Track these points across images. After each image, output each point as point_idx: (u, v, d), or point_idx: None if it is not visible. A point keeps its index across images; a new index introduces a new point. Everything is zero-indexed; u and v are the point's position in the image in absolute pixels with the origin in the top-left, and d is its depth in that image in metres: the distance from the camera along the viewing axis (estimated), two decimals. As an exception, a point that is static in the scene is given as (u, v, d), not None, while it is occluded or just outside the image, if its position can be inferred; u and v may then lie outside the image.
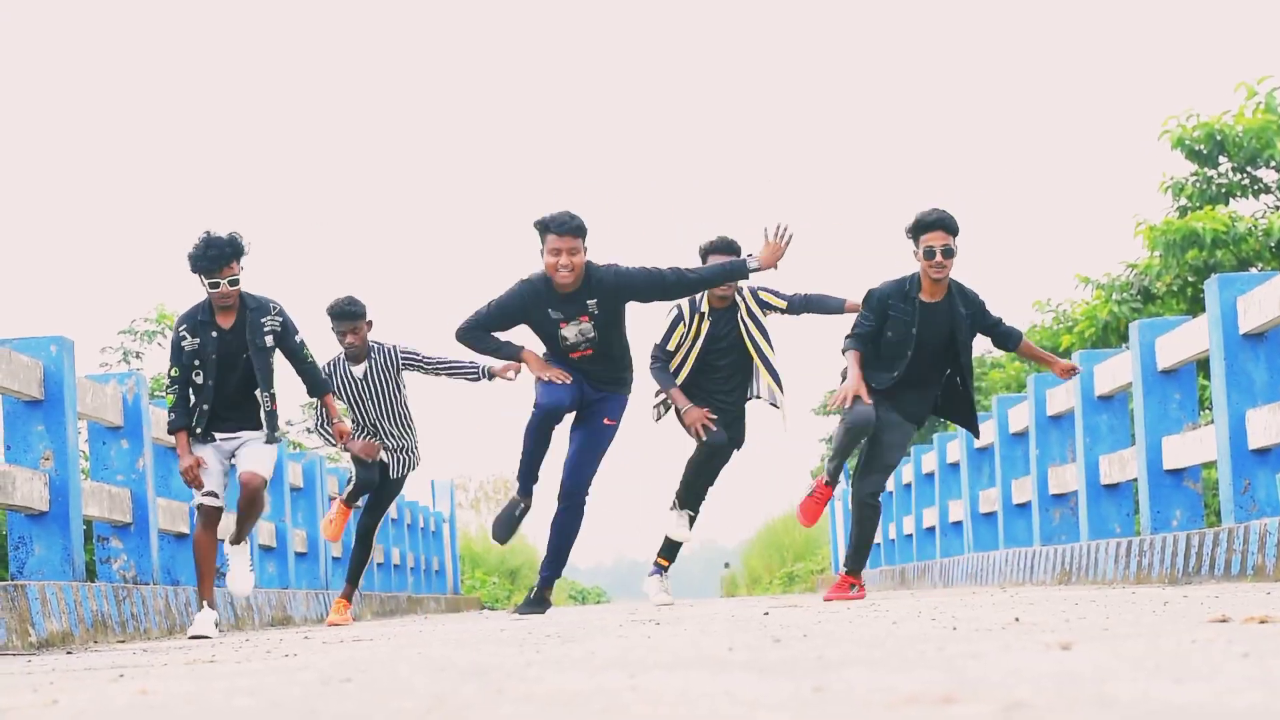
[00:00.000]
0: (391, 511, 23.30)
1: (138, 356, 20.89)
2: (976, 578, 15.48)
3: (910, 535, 21.01)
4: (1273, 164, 21.36)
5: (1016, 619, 5.16)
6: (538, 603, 10.50)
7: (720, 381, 11.54)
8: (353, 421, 11.94)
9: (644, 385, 11.16)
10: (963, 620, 5.33)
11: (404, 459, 12.05)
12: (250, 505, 9.98)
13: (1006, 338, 10.72)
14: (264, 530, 14.82)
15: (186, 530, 12.56)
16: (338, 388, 11.82)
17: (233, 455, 9.98)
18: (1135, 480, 11.83)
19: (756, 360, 11.55)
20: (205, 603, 9.93)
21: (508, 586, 32.13)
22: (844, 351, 10.62)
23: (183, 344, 9.84)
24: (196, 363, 9.80)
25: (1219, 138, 21.28)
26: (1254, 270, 21.24)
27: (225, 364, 9.80)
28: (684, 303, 11.37)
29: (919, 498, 20.10)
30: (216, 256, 9.57)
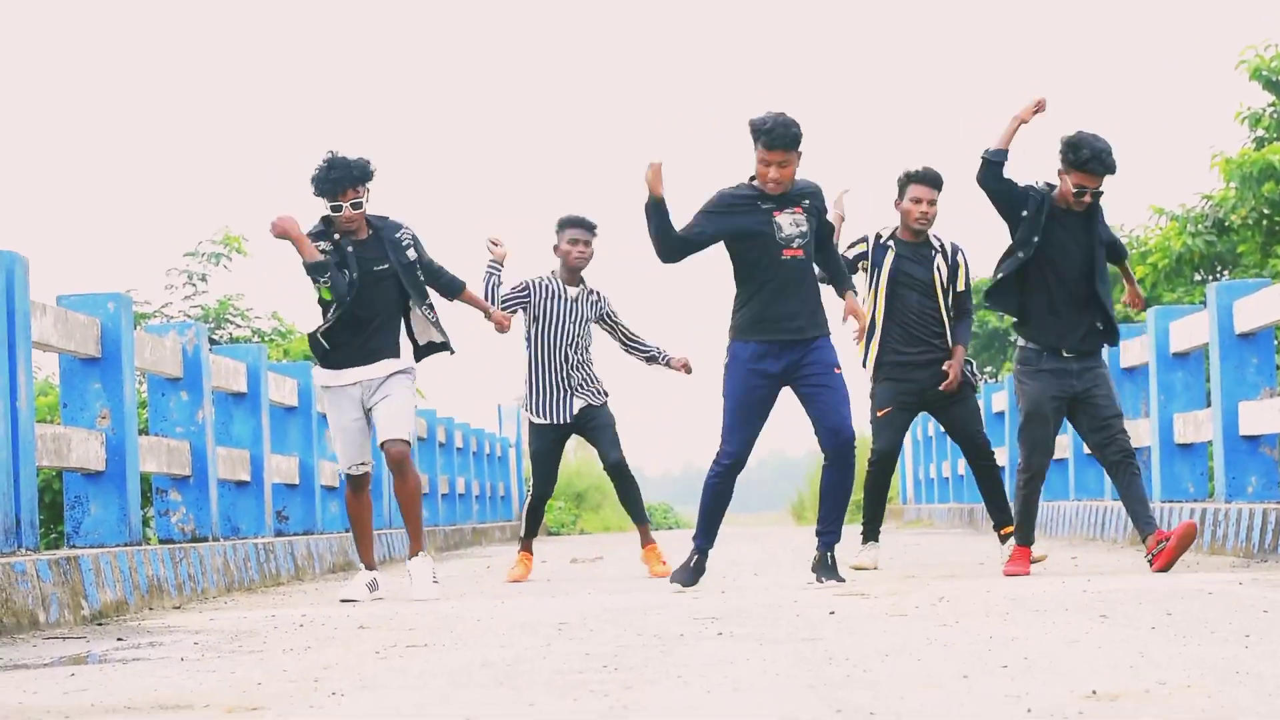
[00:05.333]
0: (457, 440, 23.16)
1: (204, 279, 20.85)
2: (1046, 528, 15.18)
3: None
4: (1353, 96, 21.04)
5: (1092, 692, 4.90)
6: (831, 569, 9.10)
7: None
8: (538, 348, 11.18)
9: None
10: (1033, 663, 5.06)
11: (596, 390, 11.28)
12: (403, 484, 9.45)
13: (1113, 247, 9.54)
14: (326, 471, 14.66)
15: (248, 478, 12.47)
16: (543, 303, 11.14)
17: (370, 409, 9.49)
18: (1210, 442, 11.58)
19: (943, 312, 10.41)
20: (364, 566, 9.81)
21: (573, 511, 32.02)
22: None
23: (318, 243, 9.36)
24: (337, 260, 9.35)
25: (1298, 68, 20.96)
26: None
27: (362, 278, 9.35)
28: (869, 234, 10.45)
29: (991, 437, 19.76)
30: (339, 179, 9.22)
